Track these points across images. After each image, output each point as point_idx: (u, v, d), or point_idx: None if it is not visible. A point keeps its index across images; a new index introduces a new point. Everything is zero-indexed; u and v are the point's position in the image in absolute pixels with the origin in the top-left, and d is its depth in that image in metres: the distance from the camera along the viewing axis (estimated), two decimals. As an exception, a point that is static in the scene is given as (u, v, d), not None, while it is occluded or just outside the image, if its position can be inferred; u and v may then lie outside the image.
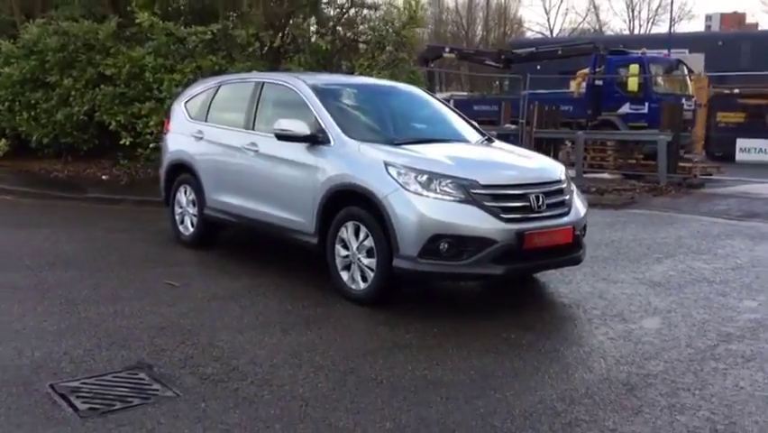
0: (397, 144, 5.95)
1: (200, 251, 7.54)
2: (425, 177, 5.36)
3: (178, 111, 8.07)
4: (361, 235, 5.63)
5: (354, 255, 5.68)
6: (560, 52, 22.15)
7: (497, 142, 6.90)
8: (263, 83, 7.05)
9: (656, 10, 77.49)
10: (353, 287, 5.73)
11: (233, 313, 5.48)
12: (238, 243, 8.02)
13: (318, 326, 5.22)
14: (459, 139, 6.60)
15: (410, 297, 5.91)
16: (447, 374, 4.34)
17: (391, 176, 5.44)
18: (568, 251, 5.76)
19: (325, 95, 6.43)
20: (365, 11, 13.30)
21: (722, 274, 7.08)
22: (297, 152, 6.21)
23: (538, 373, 4.38)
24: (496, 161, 6.15)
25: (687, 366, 4.55)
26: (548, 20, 76.15)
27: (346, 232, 5.74)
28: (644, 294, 6.26)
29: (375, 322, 5.34)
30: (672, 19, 48.04)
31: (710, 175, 16.17)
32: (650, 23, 77.23)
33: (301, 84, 6.60)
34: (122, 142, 12.89)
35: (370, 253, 5.58)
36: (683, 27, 77.06)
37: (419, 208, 5.27)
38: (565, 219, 5.69)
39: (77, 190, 11.75)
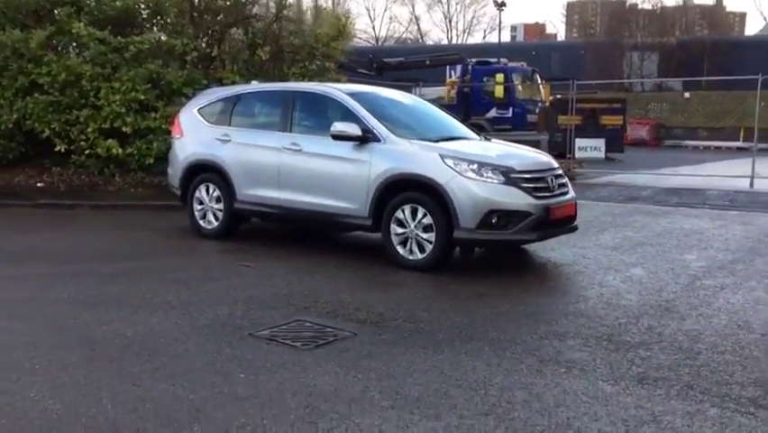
0: (434, 141, 7.38)
1: (227, 242, 8.45)
2: (475, 165, 6.84)
3: (191, 117, 8.92)
4: (419, 215, 6.98)
5: (412, 232, 7.02)
6: (428, 62, 24.26)
7: (494, 140, 8.51)
8: (296, 92, 8.18)
9: (471, 21, 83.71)
10: (411, 257, 7.07)
11: (330, 282, 6.67)
12: (252, 234, 8.99)
13: (405, 285, 6.56)
14: (469, 137, 8.12)
15: (451, 266, 7.34)
16: (539, 308, 5.87)
17: (448, 166, 6.86)
18: (571, 221, 7.49)
19: (363, 101, 7.70)
20: (290, 25, 14.40)
21: (653, 240, 9.11)
22: (344, 149, 7.43)
23: (598, 305, 5.98)
24: (514, 152, 7.74)
25: (688, 294, 6.36)
26: (373, 28, 79.35)
27: (403, 213, 7.06)
28: (613, 254, 8.09)
29: (443, 282, 6.74)
30: (499, 30, 52.14)
31: (575, 169, 18.79)
32: (466, 34, 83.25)
33: (338, 93, 7.83)
34: (57, 150, 13.15)
35: (426, 229, 6.95)
36: (495, 37, 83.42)
37: (476, 190, 6.75)
38: (569, 196, 7.41)
39: (25, 198, 11.97)
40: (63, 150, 13.16)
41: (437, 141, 7.43)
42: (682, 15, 72.06)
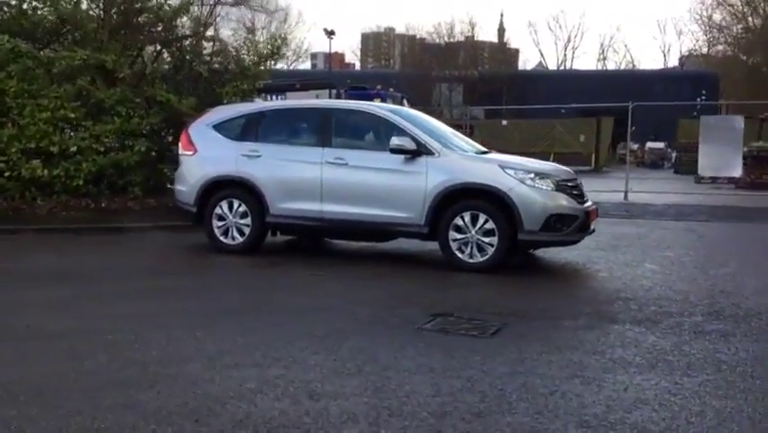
0: (477, 154, 8.07)
1: (257, 256, 8.48)
2: (532, 174, 7.62)
3: (206, 133, 8.87)
4: (480, 221, 7.60)
5: (473, 237, 7.62)
6: (298, 86, 24.66)
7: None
8: (335, 109, 8.52)
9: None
10: (471, 260, 7.66)
11: (420, 284, 7.14)
12: (270, 249, 9.07)
13: (486, 285, 7.18)
14: (486, 151, 8.86)
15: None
16: (629, 295, 6.67)
17: (510, 175, 7.57)
18: (591, 224, 8.44)
19: (406, 118, 8.21)
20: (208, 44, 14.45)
21: (619, 242, 10.26)
22: (395, 162, 7.89)
23: (669, 291, 6.88)
24: (546, 164, 8.60)
25: (719, 281, 7.45)
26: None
27: (462, 220, 7.65)
28: (610, 255, 9.11)
29: (512, 281, 7.46)
30: (330, 57, 53.32)
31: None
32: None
33: (381, 111, 8.31)
34: (-28, 172, 12.15)
35: (486, 234, 7.59)
36: (300, 65, 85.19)
37: (537, 197, 7.52)
38: (591, 202, 8.38)
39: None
40: (-23, 172, 12.18)
41: (480, 154, 8.13)
42: (470, 51, 77.35)
